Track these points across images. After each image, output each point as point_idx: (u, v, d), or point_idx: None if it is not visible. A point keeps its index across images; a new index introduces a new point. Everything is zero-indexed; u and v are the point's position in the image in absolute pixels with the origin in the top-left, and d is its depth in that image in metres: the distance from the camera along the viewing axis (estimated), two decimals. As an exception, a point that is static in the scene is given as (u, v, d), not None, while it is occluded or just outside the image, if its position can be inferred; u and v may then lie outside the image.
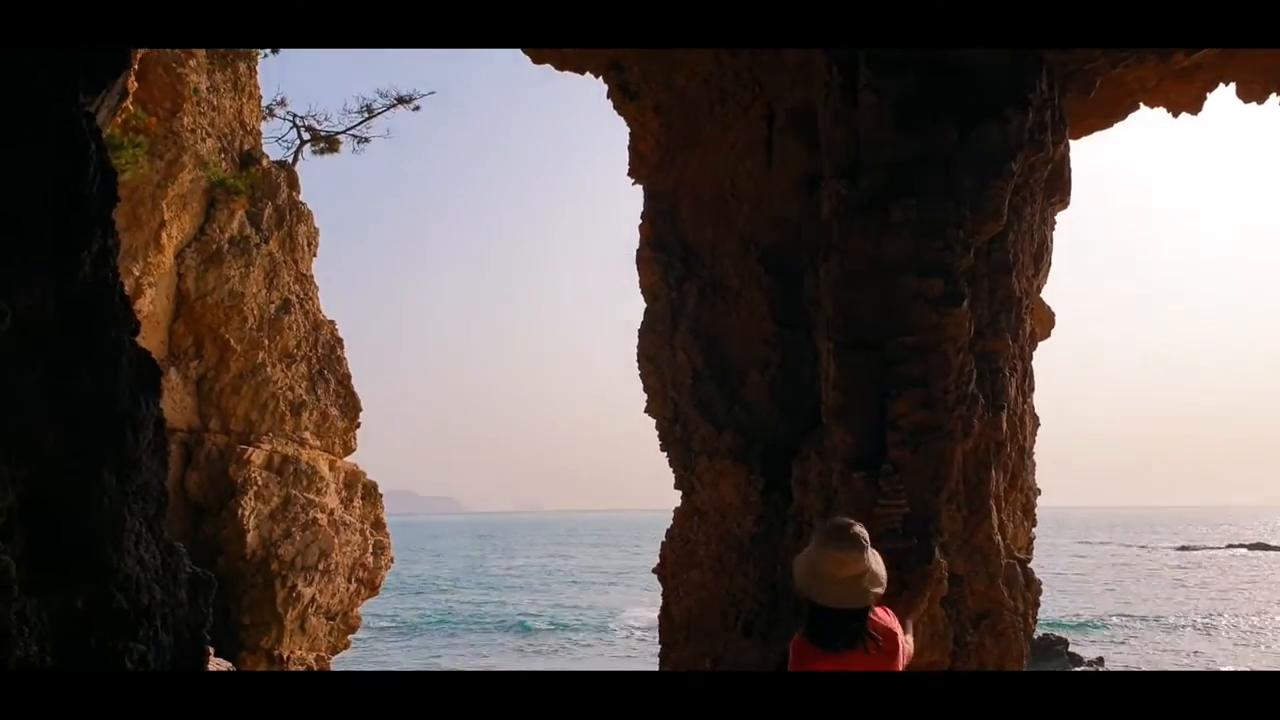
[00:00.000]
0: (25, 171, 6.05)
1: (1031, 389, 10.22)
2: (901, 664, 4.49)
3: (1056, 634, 34.04)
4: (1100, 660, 33.45)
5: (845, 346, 7.93)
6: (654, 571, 11.73)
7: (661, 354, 10.94)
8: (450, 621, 49.48)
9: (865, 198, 7.97)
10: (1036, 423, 10.37)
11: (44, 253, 6.02)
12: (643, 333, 11.14)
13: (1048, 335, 11.19)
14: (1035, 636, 11.29)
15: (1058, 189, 10.17)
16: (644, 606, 46.61)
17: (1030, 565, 9.29)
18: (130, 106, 14.93)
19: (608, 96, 11.14)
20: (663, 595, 11.49)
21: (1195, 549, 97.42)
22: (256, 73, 21.69)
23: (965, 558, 8.27)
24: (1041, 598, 9.54)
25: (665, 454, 11.47)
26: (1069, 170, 10.43)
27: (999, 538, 8.59)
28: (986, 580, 8.40)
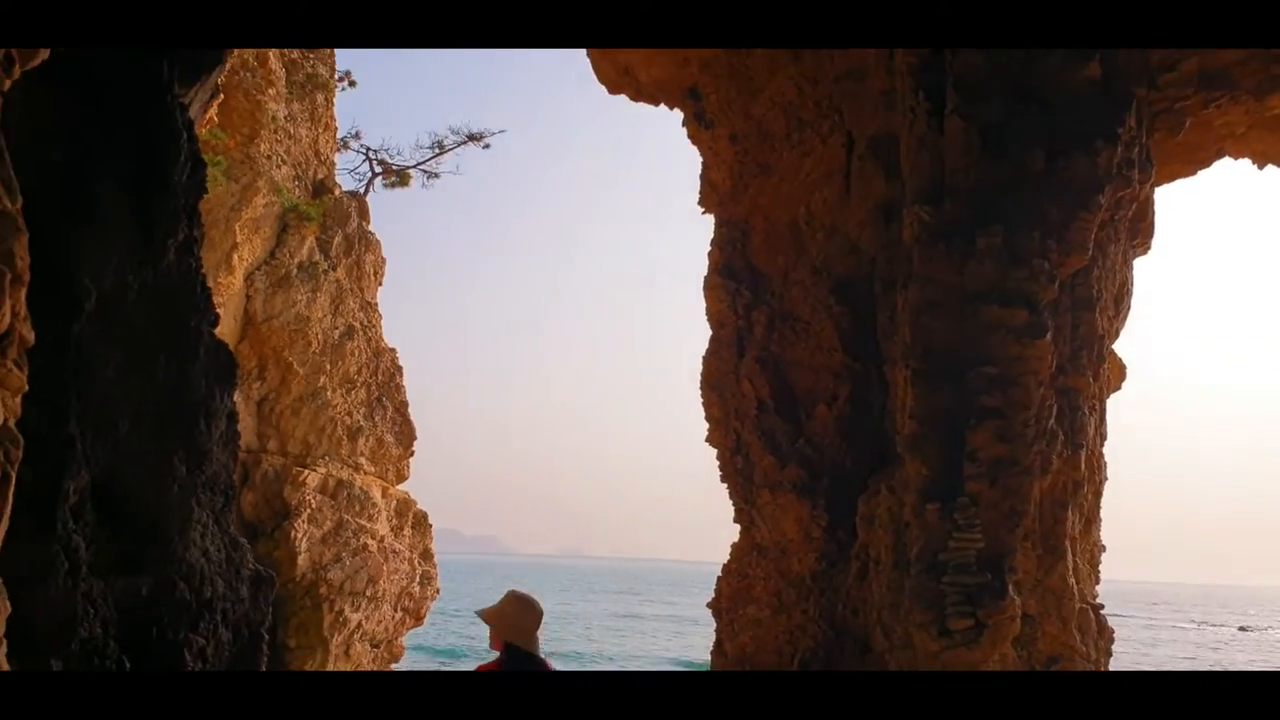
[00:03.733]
0: (118, 156, 6.13)
1: (1105, 436, 9.94)
2: None
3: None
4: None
5: (923, 375, 7.74)
6: (708, 606, 11.51)
7: (726, 383, 10.81)
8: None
9: (948, 224, 7.83)
10: (1106, 474, 10.08)
11: (130, 237, 6.07)
12: (707, 361, 11.03)
13: (1118, 387, 10.91)
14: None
15: (1140, 231, 9.96)
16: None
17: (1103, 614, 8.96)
18: (215, 119, 15.25)
19: (683, 125, 11.14)
20: (716, 631, 11.26)
21: (1255, 629, 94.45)
22: (333, 105, 22.13)
23: (1038, 599, 7.99)
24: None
25: (724, 485, 11.30)
26: (1152, 214, 10.22)
27: (1073, 580, 8.29)
28: (1059, 623, 8.10)
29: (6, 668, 3.25)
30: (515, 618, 5.52)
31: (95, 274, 5.84)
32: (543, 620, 5.69)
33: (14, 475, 3.05)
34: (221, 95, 12.05)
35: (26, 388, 3.38)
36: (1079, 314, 8.42)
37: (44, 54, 3.71)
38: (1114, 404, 10.46)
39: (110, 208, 5.94)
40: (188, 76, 6.51)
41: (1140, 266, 10.40)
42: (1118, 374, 10.71)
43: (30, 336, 3.23)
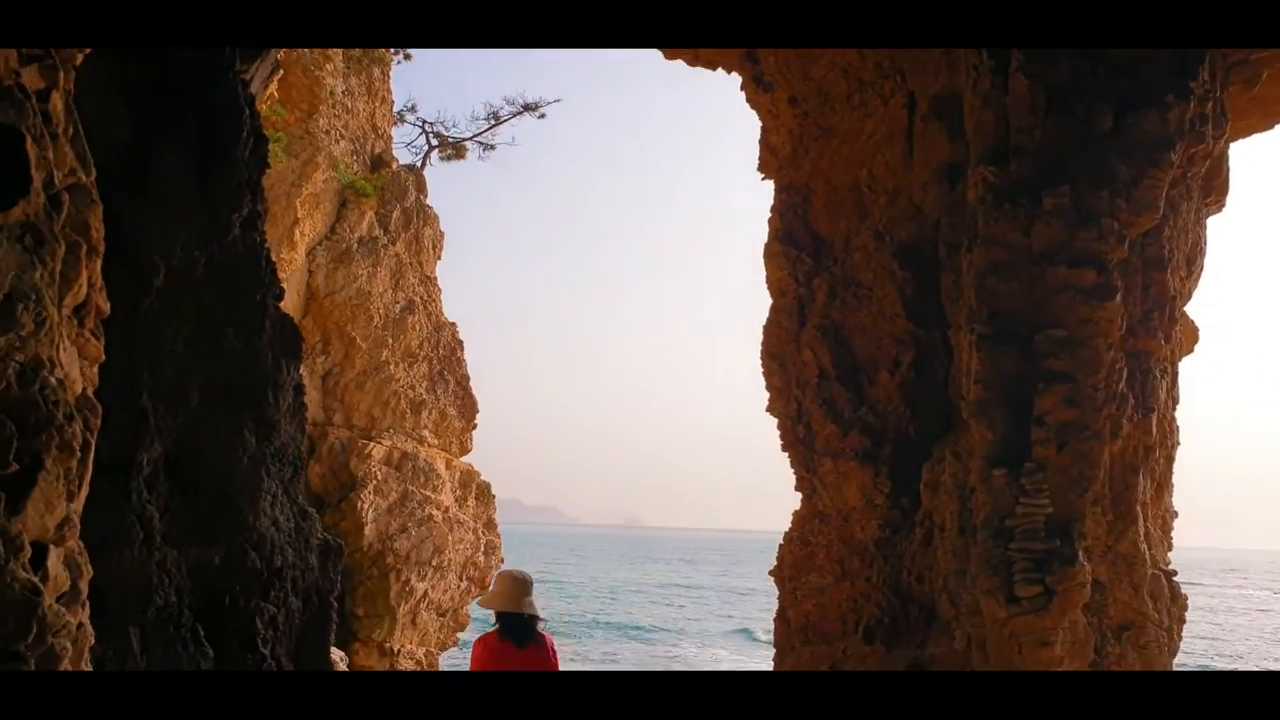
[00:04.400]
0: (182, 133, 6.20)
1: (1177, 400, 9.71)
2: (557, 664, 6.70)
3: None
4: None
5: (989, 339, 7.60)
6: (770, 574, 11.49)
7: (787, 351, 10.73)
8: (565, 623, 49.27)
9: (1014, 185, 7.65)
10: (1178, 439, 9.85)
11: (196, 213, 6.15)
12: (767, 329, 10.95)
13: (1191, 350, 10.64)
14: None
15: (1214, 189, 9.65)
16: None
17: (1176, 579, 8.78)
18: (274, 94, 15.42)
19: (741, 89, 11.01)
20: (779, 599, 11.24)
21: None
22: (389, 78, 22.26)
23: (1109, 565, 7.85)
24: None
25: (786, 454, 11.24)
26: (1227, 170, 9.90)
27: (1145, 547, 8.14)
28: (1131, 590, 7.96)
29: (91, 631, 3.33)
30: (503, 592, 6.52)
31: (163, 250, 5.94)
32: (531, 584, 6.73)
33: (94, 443, 3.14)
34: (281, 71, 12.16)
35: (104, 358, 3.46)
36: (1149, 274, 8.21)
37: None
38: (1185, 367, 10.24)
39: (176, 184, 6.03)
40: (249, 52, 6.57)
41: (1214, 224, 10.12)
42: (1190, 337, 10.44)
43: (106, 307, 3.31)
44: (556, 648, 6.86)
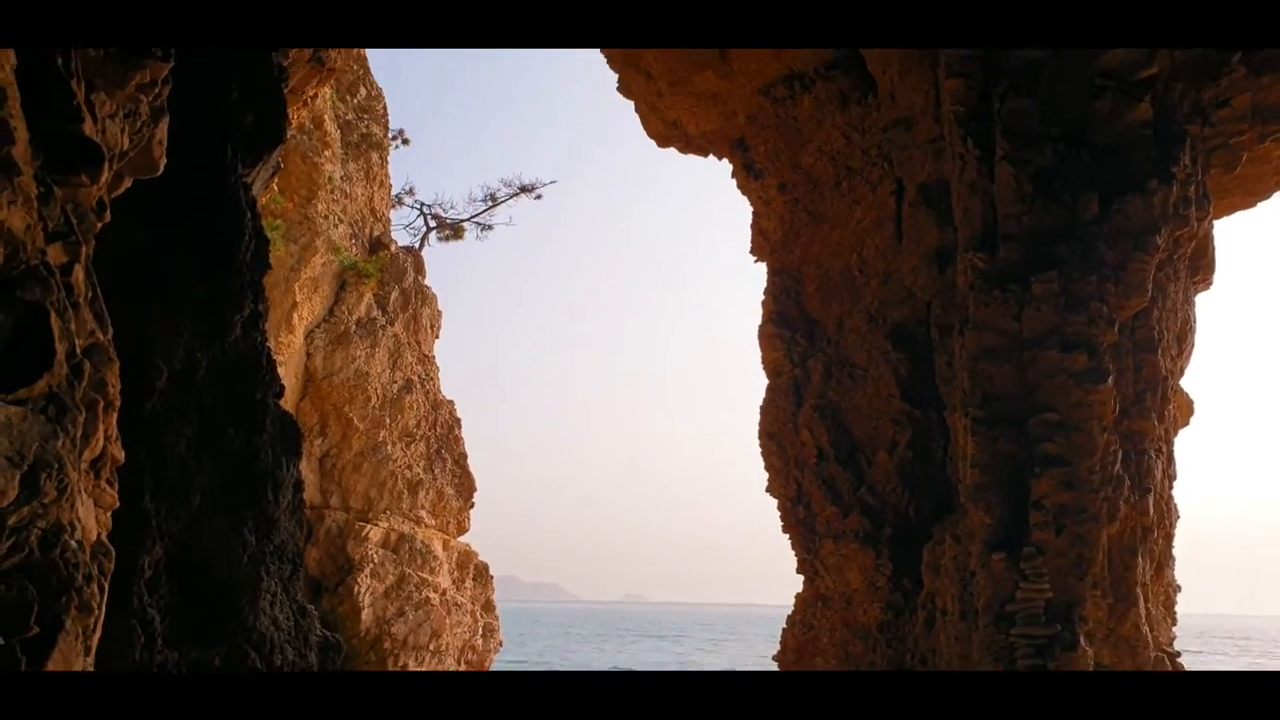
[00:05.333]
0: (186, 237, 6.31)
1: (1174, 477, 9.75)
2: None
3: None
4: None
5: (984, 423, 7.69)
6: (774, 659, 11.40)
7: (784, 432, 10.79)
8: None
9: (1003, 270, 7.80)
10: (1177, 515, 9.87)
11: (200, 315, 6.24)
12: (764, 410, 11.01)
13: (1186, 424, 10.71)
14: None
15: (1201, 267, 9.81)
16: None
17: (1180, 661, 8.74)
18: (274, 186, 15.64)
19: (731, 176, 11.23)
20: (783, 683, 11.14)
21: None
22: (388, 163, 22.58)
23: (1111, 648, 7.83)
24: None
25: (786, 536, 11.23)
26: (1212, 249, 10.06)
27: (1146, 629, 8.12)
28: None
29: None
30: None
31: (166, 353, 6.02)
32: None
33: (106, 586, 3.18)
34: (282, 167, 12.38)
35: (118, 504, 3.52)
36: (1141, 356, 8.31)
37: (128, 183, 3.87)
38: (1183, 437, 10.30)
39: (180, 288, 6.13)
40: (249, 157, 6.72)
41: (1204, 299, 10.26)
42: (1185, 410, 10.52)
43: (120, 456, 3.37)
44: None
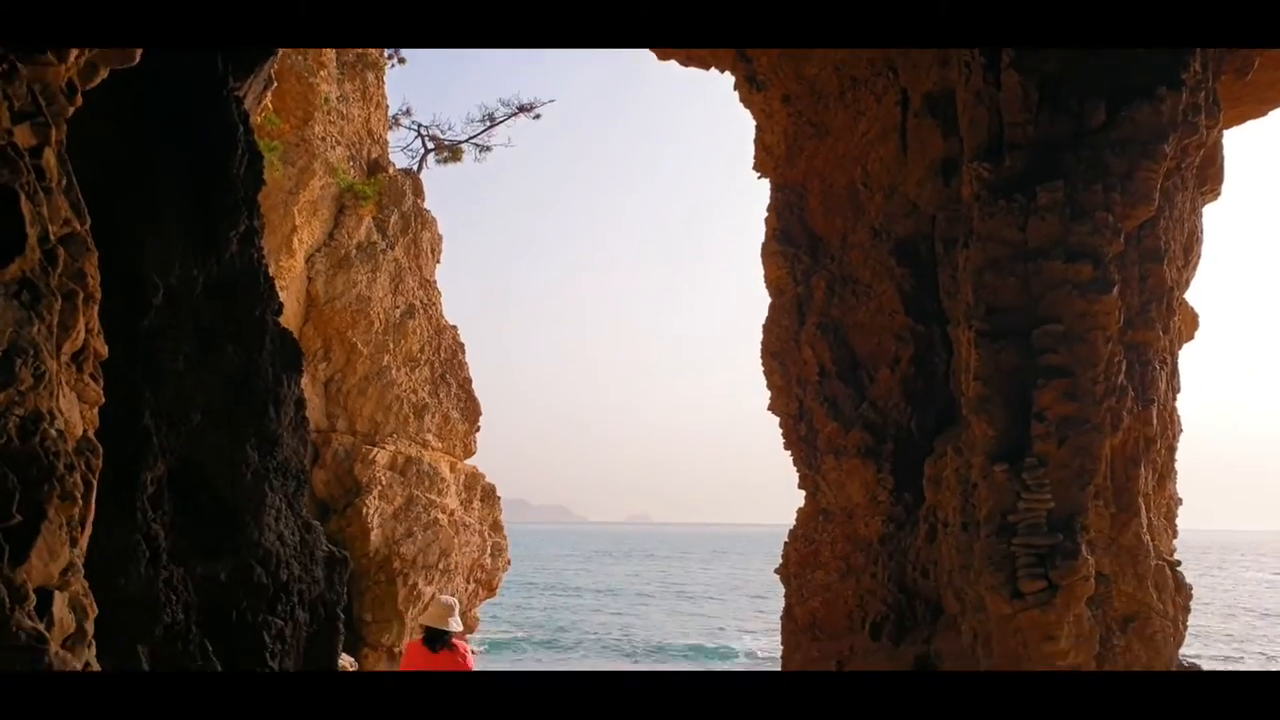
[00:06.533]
0: (178, 153, 6.21)
1: (1178, 390, 9.73)
2: (470, 663, 8.58)
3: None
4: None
5: (987, 335, 7.63)
6: (776, 572, 11.52)
7: (787, 350, 10.75)
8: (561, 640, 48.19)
9: (1009, 180, 7.67)
10: (1180, 427, 9.86)
11: (194, 232, 6.17)
12: (767, 328, 10.97)
13: (1191, 338, 10.66)
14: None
15: (1209, 178, 9.67)
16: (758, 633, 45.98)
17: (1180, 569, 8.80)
18: (269, 105, 15.43)
19: (734, 89, 11.02)
20: (785, 596, 11.27)
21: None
22: (384, 83, 22.24)
23: (1112, 558, 7.87)
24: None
25: (789, 453, 11.26)
26: (1221, 159, 9.91)
27: (1148, 538, 8.16)
28: (1135, 582, 7.98)
29: (97, 668, 3.34)
30: (433, 613, 8.50)
31: (161, 270, 5.96)
32: (454, 608, 8.78)
33: (95, 483, 3.17)
34: (276, 84, 12.18)
35: (103, 400, 3.49)
36: (1146, 266, 8.22)
37: (104, 74, 3.78)
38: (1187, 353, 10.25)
39: (172, 204, 6.05)
40: (241, 70, 6.58)
41: (1210, 212, 10.14)
42: (1190, 324, 10.47)
43: (104, 350, 3.33)
44: (468, 651, 9.15)
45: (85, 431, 3.11)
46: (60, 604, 2.88)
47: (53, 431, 2.69)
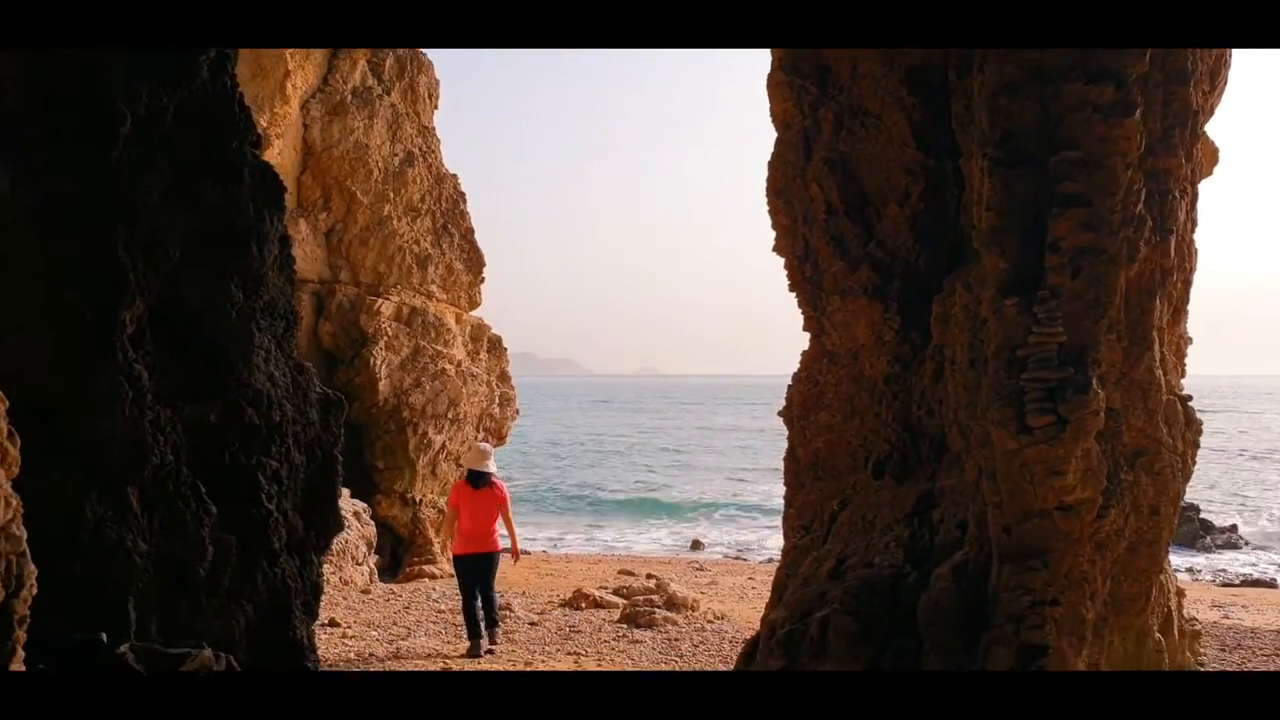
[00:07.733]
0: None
1: (1196, 222, 9.40)
2: (507, 497, 12.22)
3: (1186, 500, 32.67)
4: (1234, 528, 32.12)
5: (1001, 163, 7.28)
6: (779, 415, 11.44)
7: (792, 187, 10.39)
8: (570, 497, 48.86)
9: (1028, -5, 7.19)
10: (1196, 262, 9.58)
11: (163, 56, 5.83)
12: (772, 165, 10.58)
13: (1210, 173, 10.26)
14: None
15: (1242, -5, 9.10)
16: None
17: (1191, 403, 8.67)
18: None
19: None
20: (788, 438, 11.21)
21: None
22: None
23: (1123, 391, 7.71)
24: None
25: (793, 295, 11.03)
26: (1256, -25, 9.31)
27: (1160, 372, 7.98)
28: (1145, 416, 7.84)
29: (21, 643, 3.30)
30: (473, 456, 11.91)
31: (128, 96, 5.64)
32: (490, 453, 12.13)
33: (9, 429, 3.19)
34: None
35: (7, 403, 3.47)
36: (1171, 88, 7.80)
37: None
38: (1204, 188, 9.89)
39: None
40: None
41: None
42: (1210, 157, 10.06)
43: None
44: (505, 489, 12.00)
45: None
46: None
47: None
